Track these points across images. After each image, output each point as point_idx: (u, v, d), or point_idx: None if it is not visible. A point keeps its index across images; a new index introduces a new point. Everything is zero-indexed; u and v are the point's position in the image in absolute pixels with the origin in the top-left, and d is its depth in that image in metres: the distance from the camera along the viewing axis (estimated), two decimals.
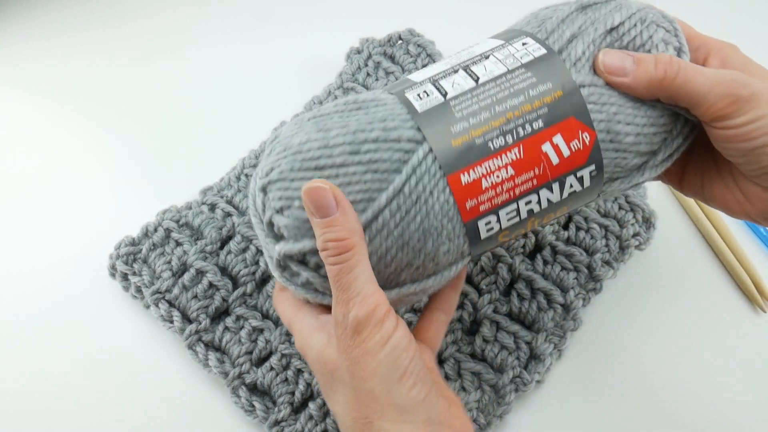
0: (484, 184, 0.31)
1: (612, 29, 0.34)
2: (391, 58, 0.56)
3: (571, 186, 0.33)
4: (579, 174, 0.33)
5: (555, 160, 0.32)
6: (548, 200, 0.33)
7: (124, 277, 0.46)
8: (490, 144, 0.31)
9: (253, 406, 0.42)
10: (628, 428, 0.45)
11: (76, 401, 0.44)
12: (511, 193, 0.32)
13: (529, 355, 0.45)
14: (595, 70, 0.33)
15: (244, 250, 0.46)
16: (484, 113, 0.32)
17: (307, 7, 0.63)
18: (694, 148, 0.37)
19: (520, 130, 0.32)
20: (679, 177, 0.39)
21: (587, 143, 0.33)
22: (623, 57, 0.33)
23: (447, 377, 0.44)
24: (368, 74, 0.55)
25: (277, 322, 0.45)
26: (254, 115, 0.55)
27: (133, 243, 0.47)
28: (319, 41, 0.60)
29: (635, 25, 0.34)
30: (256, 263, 0.46)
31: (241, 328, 0.44)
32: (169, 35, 0.60)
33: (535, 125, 0.32)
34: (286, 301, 0.36)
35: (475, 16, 0.63)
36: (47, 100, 0.56)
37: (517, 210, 0.33)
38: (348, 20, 0.62)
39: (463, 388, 0.43)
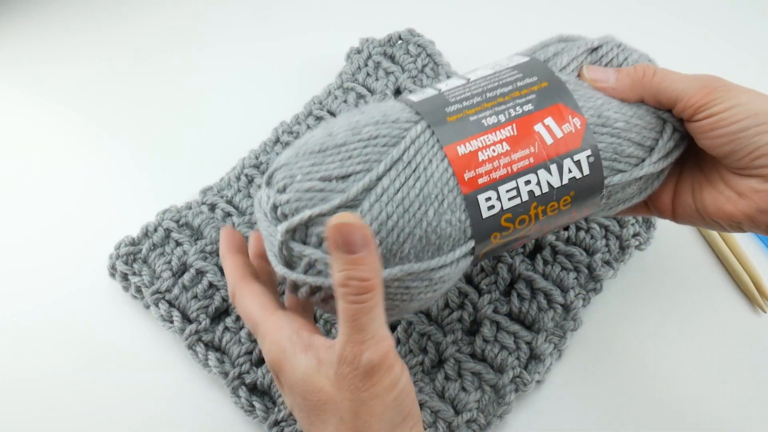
0: (481, 156, 0.32)
1: (592, 50, 0.37)
2: (391, 58, 0.56)
3: (570, 171, 0.34)
4: (576, 157, 0.34)
5: (549, 140, 0.33)
6: (549, 183, 0.33)
7: (124, 277, 0.46)
8: (483, 121, 0.33)
9: (253, 406, 0.42)
10: (628, 428, 0.45)
11: (76, 401, 0.44)
12: (509, 169, 0.33)
13: (529, 355, 0.45)
14: (583, 80, 0.36)
15: None
16: (476, 98, 0.34)
17: (307, 7, 0.63)
18: (681, 169, 0.39)
19: (512, 111, 0.34)
20: (671, 207, 0.40)
21: (578, 127, 0.34)
22: (605, 70, 0.37)
23: (447, 377, 0.44)
24: (368, 74, 0.55)
25: None
26: (254, 115, 0.55)
27: (133, 243, 0.47)
28: (319, 41, 0.60)
29: (612, 48, 0.38)
30: None
31: (241, 328, 0.44)
32: (169, 35, 0.60)
33: (526, 108, 0.34)
34: (253, 297, 0.34)
35: (475, 16, 0.63)
36: (47, 99, 0.56)
37: (517, 189, 0.33)
38: (348, 20, 0.62)
39: (464, 388, 0.43)
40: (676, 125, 0.37)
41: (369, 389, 0.30)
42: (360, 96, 0.54)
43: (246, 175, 0.50)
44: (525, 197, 0.33)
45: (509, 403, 0.43)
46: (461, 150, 0.32)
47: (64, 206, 0.51)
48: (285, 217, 0.32)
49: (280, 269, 0.33)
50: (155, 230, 0.47)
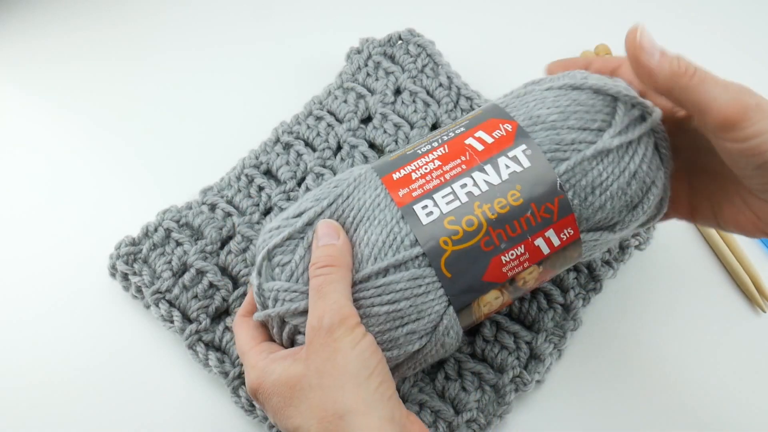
0: (414, 176, 0.36)
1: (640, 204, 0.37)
2: (391, 58, 0.56)
3: (508, 167, 0.35)
4: (511, 154, 0.35)
5: (479, 147, 0.36)
6: (486, 182, 0.35)
7: (125, 277, 0.46)
8: (418, 150, 0.37)
9: (253, 405, 0.42)
10: (628, 428, 0.45)
11: (76, 401, 0.44)
12: (442, 179, 0.35)
13: (529, 355, 0.45)
14: (625, 43, 0.34)
15: (245, 250, 0.46)
16: (418, 139, 0.41)
17: (307, 7, 0.63)
18: (699, 177, 0.38)
19: (444, 137, 0.38)
20: (689, 209, 0.39)
21: (510, 130, 0.36)
22: (654, 43, 0.33)
23: (447, 377, 0.44)
24: (368, 74, 0.55)
25: None
26: (254, 115, 0.55)
27: (134, 243, 0.47)
28: (319, 41, 0.60)
29: (643, 176, 0.36)
30: None
31: None
32: (169, 35, 0.60)
33: (458, 131, 0.38)
34: (246, 330, 0.38)
35: (475, 16, 0.63)
36: (46, 99, 0.56)
37: (454, 193, 0.35)
38: (348, 20, 0.62)
39: (464, 388, 0.44)
40: (631, 101, 0.36)
41: (331, 344, 0.32)
42: (360, 96, 0.54)
43: (246, 175, 0.50)
44: (464, 199, 0.35)
45: (509, 402, 0.43)
46: (396, 176, 0.36)
47: (64, 206, 0.51)
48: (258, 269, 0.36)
49: (257, 314, 0.37)
50: (155, 230, 0.47)
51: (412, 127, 0.52)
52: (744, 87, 0.32)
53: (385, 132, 0.52)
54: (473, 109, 0.53)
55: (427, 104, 0.53)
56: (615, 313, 0.49)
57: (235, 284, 0.46)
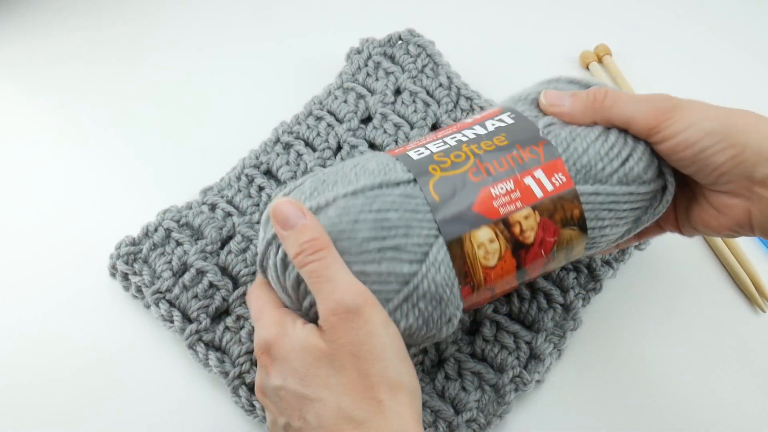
0: (411, 146, 0.39)
1: (601, 134, 0.38)
2: (391, 58, 0.56)
3: (494, 124, 0.38)
4: (497, 118, 0.39)
5: (469, 120, 0.40)
6: (474, 133, 0.38)
7: (125, 276, 0.46)
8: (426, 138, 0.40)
9: (253, 405, 0.42)
10: (627, 427, 0.45)
11: (76, 401, 0.44)
12: (435, 137, 0.39)
13: (529, 354, 0.45)
14: (539, 108, 0.38)
15: (245, 250, 0.46)
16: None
17: (307, 7, 0.63)
18: (679, 191, 0.40)
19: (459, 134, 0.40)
20: (675, 223, 0.42)
21: (496, 111, 0.40)
22: (561, 94, 0.38)
23: (447, 377, 0.44)
24: (368, 74, 0.55)
25: None
26: (254, 115, 0.55)
27: (134, 243, 0.47)
28: (319, 41, 0.60)
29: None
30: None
31: (242, 327, 0.44)
32: (169, 35, 0.60)
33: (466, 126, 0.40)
34: (267, 293, 0.37)
35: (475, 16, 0.63)
36: (46, 100, 0.56)
37: (444, 142, 0.38)
38: (348, 20, 0.62)
39: (464, 388, 0.44)
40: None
41: (363, 327, 0.31)
42: (360, 96, 0.54)
43: (246, 175, 0.50)
44: (453, 143, 0.38)
45: (509, 402, 0.43)
46: (397, 150, 0.39)
47: (64, 206, 0.51)
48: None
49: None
50: (156, 230, 0.47)
51: (412, 127, 0.52)
52: (661, 95, 0.36)
53: (385, 132, 0.52)
54: (473, 109, 0.54)
55: (427, 104, 0.53)
56: (615, 313, 0.49)
57: (235, 284, 0.46)
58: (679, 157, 0.36)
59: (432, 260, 0.34)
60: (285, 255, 0.35)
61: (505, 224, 0.35)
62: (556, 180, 0.36)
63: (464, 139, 0.38)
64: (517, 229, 0.35)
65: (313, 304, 0.34)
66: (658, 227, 0.43)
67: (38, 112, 0.55)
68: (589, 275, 0.48)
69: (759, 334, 0.49)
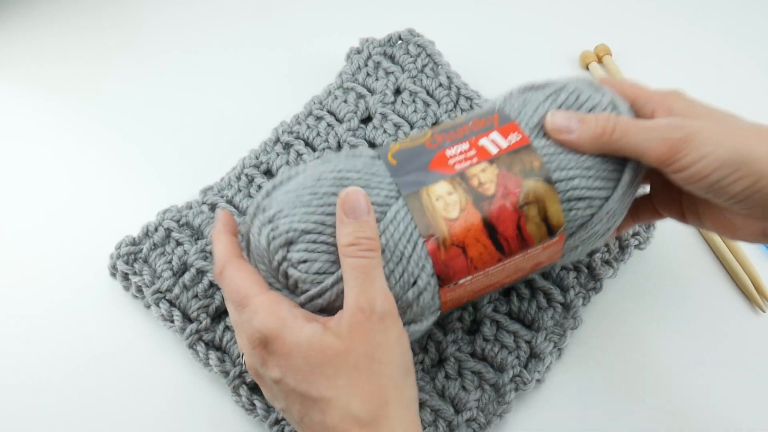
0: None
1: (552, 97, 0.38)
2: (391, 58, 0.56)
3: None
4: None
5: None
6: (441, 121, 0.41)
7: (125, 276, 0.46)
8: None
9: (253, 404, 0.42)
10: (627, 427, 0.45)
11: (77, 401, 0.44)
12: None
13: (529, 354, 0.45)
14: (544, 132, 0.37)
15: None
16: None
17: (307, 7, 0.63)
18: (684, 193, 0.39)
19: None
20: (679, 213, 0.41)
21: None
22: (569, 116, 0.36)
23: (447, 376, 0.44)
24: (368, 74, 0.55)
25: None
26: (254, 115, 0.55)
27: (134, 243, 0.47)
28: (319, 41, 0.60)
29: (573, 95, 0.38)
30: None
31: None
32: (169, 35, 0.60)
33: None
34: (247, 273, 0.35)
35: (475, 16, 0.63)
36: (47, 100, 0.56)
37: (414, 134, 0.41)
38: (348, 20, 0.62)
39: (464, 387, 0.44)
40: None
41: (384, 332, 0.32)
42: (360, 96, 0.54)
43: (246, 175, 0.50)
44: (418, 131, 0.40)
45: (509, 402, 0.43)
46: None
47: (64, 206, 0.51)
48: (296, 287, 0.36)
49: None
50: (156, 230, 0.47)
51: (412, 127, 0.52)
52: (672, 123, 0.34)
53: (385, 132, 0.52)
54: (473, 109, 0.54)
55: (426, 104, 0.53)
56: (615, 312, 0.49)
57: None
58: (694, 188, 0.35)
59: (390, 217, 0.35)
60: (287, 241, 0.35)
61: (462, 177, 0.36)
62: (512, 138, 0.37)
63: (422, 127, 0.41)
64: (475, 182, 0.36)
65: (295, 290, 0.35)
66: (656, 212, 0.42)
67: (38, 113, 0.56)
68: (590, 275, 0.48)
69: (759, 334, 0.49)
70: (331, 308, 0.34)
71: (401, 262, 0.34)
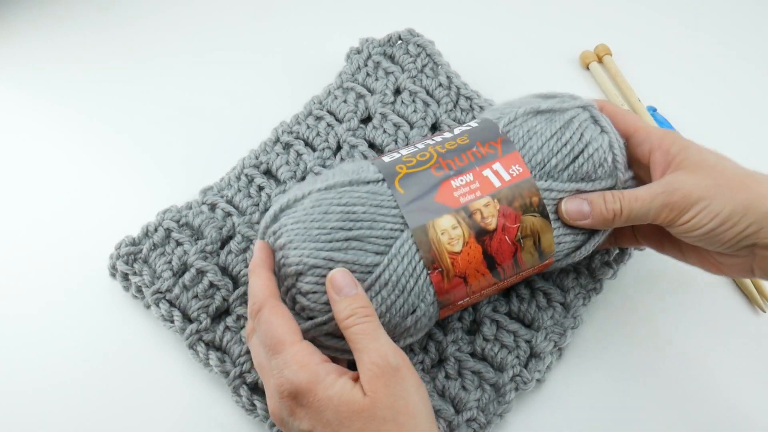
0: (388, 152, 0.43)
1: (556, 132, 0.41)
2: (391, 58, 0.56)
3: (461, 129, 0.42)
4: (465, 125, 0.43)
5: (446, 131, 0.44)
6: (442, 137, 0.42)
7: (125, 277, 0.46)
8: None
9: (254, 405, 0.42)
10: (627, 427, 0.45)
11: (77, 401, 0.44)
12: (412, 144, 0.42)
13: (529, 353, 0.45)
14: (558, 216, 0.40)
15: (245, 249, 0.46)
16: (414, 140, 0.46)
17: (307, 7, 0.63)
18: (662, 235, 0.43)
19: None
20: (658, 243, 0.44)
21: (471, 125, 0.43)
22: (580, 203, 0.40)
23: (447, 376, 0.44)
24: (368, 74, 0.55)
25: None
26: (254, 115, 0.55)
27: (134, 243, 0.47)
28: (319, 41, 0.60)
29: (577, 129, 0.41)
30: None
31: (242, 327, 0.44)
32: (169, 35, 0.60)
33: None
34: (284, 317, 0.36)
35: (474, 16, 0.63)
36: (46, 100, 0.56)
37: (415, 146, 0.42)
38: (348, 20, 0.62)
39: (464, 387, 0.44)
40: (572, 97, 0.43)
41: (401, 383, 0.33)
42: (360, 96, 0.54)
43: (246, 175, 0.50)
44: (421, 147, 0.41)
45: (509, 401, 0.43)
46: (378, 156, 0.42)
47: (64, 207, 0.51)
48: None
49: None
50: (156, 230, 0.47)
51: (411, 127, 0.52)
52: (667, 186, 0.38)
53: (384, 132, 0.52)
54: (473, 109, 0.54)
55: (426, 104, 0.53)
56: (615, 313, 0.49)
57: (236, 284, 0.46)
58: (689, 237, 0.39)
59: (395, 252, 0.37)
60: (297, 272, 0.37)
61: (466, 212, 0.38)
62: (514, 170, 0.39)
63: (431, 142, 0.41)
64: (478, 216, 0.38)
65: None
66: (635, 239, 0.45)
67: (38, 113, 0.56)
68: (590, 276, 0.48)
69: (759, 334, 0.49)
70: (336, 331, 0.37)
71: (403, 294, 0.37)
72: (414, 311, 0.38)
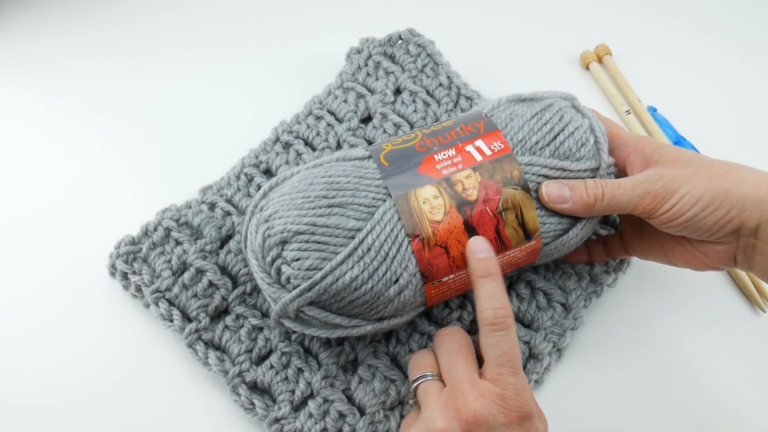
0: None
1: (537, 113, 0.42)
2: (391, 58, 0.56)
3: (448, 116, 0.45)
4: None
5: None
6: (431, 124, 0.43)
7: (124, 276, 0.46)
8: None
9: (253, 404, 0.42)
10: (628, 428, 0.45)
11: (76, 400, 0.44)
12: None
13: (527, 354, 0.45)
14: (539, 199, 0.40)
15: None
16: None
17: (307, 6, 0.63)
18: (650, 230, 0.43)
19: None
20: (642, 249, 0.45)
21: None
22: (560, 187, 0.40)
23: None
24: (368, 74, 0.55)
25: None
26: (254, 115, 0.55)
27: (133, 242, 0.47)
28: (319, 41, 0.60)
29: (557, 111, 0.42)
30: None
31: (241, 326, 0.45)
32: (169, 35, 0.60)
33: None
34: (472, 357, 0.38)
35: (475, 16, 0.63)
36: (46, 100, 0.56)
37: (405, 133, 0.43)
38: (348, 20, 0.62)
39: None
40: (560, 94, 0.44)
41: (522, 380, 0.36)
42: (360, 96, 0.54)
43: (246, 174, 0.50)
44: (409, 131, 0.44)
45: None
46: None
47: (64, 206, 0.51)
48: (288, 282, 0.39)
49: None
50: (155, 229, 0.47)
51: (411, 127, 0.52)
52: (648, 176, 0.39)
53: (384, 132, 0.52)
54: (471, 108, 0.54)
55: (427, 104, 0.53)
56: (615, 313, 0.49)
57: (235, 283, 0.46)
58: (672, 225, 0.39)
59: (377, 218, 0.38)
60: (282, 240, 0.38)
61: (447, 183, 0.39)
62: (495, 146, 0.40)
63: (419, 128, 0.44)
64: (459, 187, 0.39)
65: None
66: (626, 251, 0.46)
67: (37, 112, 0.56)
68: (590, 280, 0.48)
69: (759, 334, 0.49)
70: (319, 301, 0.38)
71: (385, 261, 0.38)
72: (397, 280, 0.38)
